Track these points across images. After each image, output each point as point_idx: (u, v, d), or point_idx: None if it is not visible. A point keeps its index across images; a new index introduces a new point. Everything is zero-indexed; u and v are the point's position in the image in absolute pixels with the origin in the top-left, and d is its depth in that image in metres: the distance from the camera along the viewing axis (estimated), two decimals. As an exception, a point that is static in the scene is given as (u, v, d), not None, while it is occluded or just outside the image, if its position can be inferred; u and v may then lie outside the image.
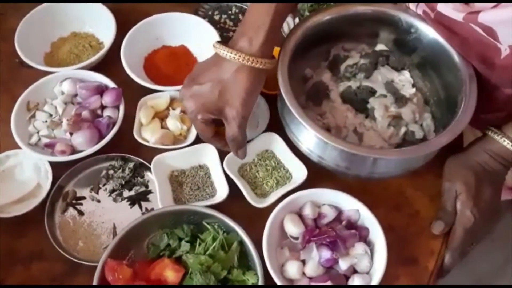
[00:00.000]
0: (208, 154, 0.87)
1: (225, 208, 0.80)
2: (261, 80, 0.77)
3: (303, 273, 0.76)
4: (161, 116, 0.93)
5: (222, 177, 0.84)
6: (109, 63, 1.00)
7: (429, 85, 0.89)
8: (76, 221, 0.86)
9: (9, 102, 0.94)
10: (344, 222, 0.79)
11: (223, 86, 0.75)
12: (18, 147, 0.89)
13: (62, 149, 0.88)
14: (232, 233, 0.77)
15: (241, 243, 0.77)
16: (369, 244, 0.78)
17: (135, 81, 0.95)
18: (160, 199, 0.83)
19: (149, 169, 0.86)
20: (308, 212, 0.79)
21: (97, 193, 0.88)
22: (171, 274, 0.74)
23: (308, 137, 0.79)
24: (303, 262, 0.77)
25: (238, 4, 1.10)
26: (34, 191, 0.86)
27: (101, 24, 1.05)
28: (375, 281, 0.75)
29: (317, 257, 0.76)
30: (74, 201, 0.87)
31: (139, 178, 0.89)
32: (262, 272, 0.73)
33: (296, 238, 0.79)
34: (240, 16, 1.08)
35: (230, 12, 1.09)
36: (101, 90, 0.94)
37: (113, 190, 0.88)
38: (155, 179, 0.84)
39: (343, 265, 0.76)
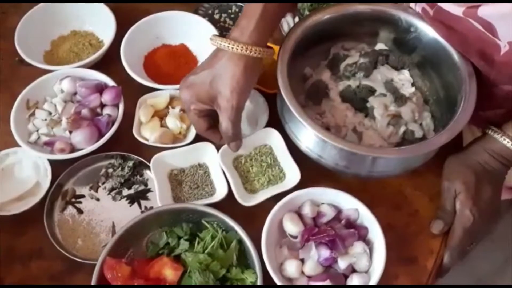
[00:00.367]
0: (207, 153, 0.87)
1: (224, 206, 0.80)
2: (254, 69, 0.76)
3: (302, 272, 0.76)
4: (160, 115, 0.93)
5: (221, 176, 0.84)
6: (109, 62, 1.00)
7: (429, 84, 0.89)
8: (75, 220, 0.86)
9: (8, 100, 0.94)
10: (343, 221, 0.79)
11: (214, 74, 0.75)
12: (18, 145, 0.89)
13: (61, 147, 0.88)
14: (231, 232, 0.77)
15: (240, 241, 0.77)
16: (368, 243, 0.78)
17: (135, 79, 0.95)
18: (159, 198, 0.83)
19: (148, 167, 0.86)
20: (307, 211, 0.79)
21: (96, 191, 0.88)
22: (170, 273, 0.74)
23: (308, 136, 0.79)
24: (302, 261, 0.77)
25: (238, 3, 1.10)
26: (33, 189, 0.86)
27: (101, 22, 1.05)
28: (374, 280, 0.75)
29: (316, 256, 0.76)
30: (73, 200, 0.87)
31: (138, 176, 0.89)
32: (261, 270, 0.73)
33: (295, 237, 0.79)
34: (240, 15, 1.08)
35: (230, 11, 1.09)
36: (100, 88, 0.94)
37: (112, 189, 0.88)
38: (154, 177, 0.84)
39: (342, 264, 0.76)
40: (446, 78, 0.84)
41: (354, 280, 0.75)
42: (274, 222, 0.78)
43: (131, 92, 0.94)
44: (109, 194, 0.88)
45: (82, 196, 0.88)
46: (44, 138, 0.90)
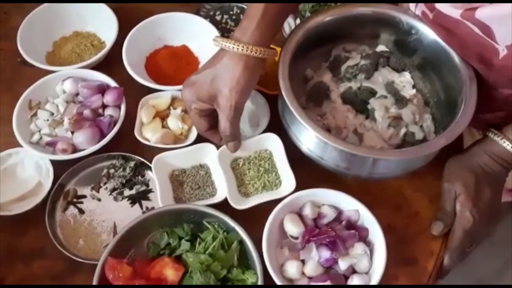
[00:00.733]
0: (208, 153, 0.87)
1: (225, 207, 0.80)
2: (255, 69, 0.76)
3: (303, 273, 0.76)
4: (162, 116, 0.93)
5: (223, 176, 0.84)
6: (110, 63, 1.00)
7: (430, 86, 0.89)
8: (76, 220, 0.86)
9: (11, 100, 0.94)
10: (343, 222, 0.79)
11: (215, 74, 0.76)
12: (20, 146, 0.89)
13: (63, 148, 0.88)
14: (232, 233, 0.77)
15: (241, 242, 0.77)
16: (368, 244, 0.78)
17: (137, 80, 0.95)
18: (161, 198, 0.83)
19: (149, 168, 0.87)
20: (308, 212, 0.80)
21: (98, 191, 0.89)
22: (171, 273, 0.74)
23: (308, 138, 0.79)
24: (303, 262, 0.77)
25: (240, 5, 1.10)
26: (35, 190, 0.86)
27: (103, 23, 1.05)
28: (374, 281, 0.75)
29: (316, 257, 0.76)
30: (75, 200, 0.88)
31: (139, 177, 0.89)
32: (262, 271, 0.74)
33: (296, 238, 0.79)
34: (242, 17, 1.08)
35: (231, 12, 1.10)
36: (102, 89, 0.94)
37: (113, 189, 0.88)
38: (156, 178, 0.85)
39: (342, 265, 0.76)
40: (447, 80, 0.84)
41: (354, 281, 0.76)
42: (275, 223, 0.79)
43: (133, 93, 0.94)
44: (110, 194, 0.88)
45: (84, 196, 0.88)
46: (46, 139, 0.91)
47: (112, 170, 0.90)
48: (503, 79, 0.77)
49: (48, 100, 0.96)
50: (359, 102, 0.86)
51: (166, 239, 0.78)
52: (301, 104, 0.78)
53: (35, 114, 0.94)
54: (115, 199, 0.88)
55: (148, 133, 0.90)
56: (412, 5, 0.83)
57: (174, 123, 0.91)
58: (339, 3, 1.06)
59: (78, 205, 0.87)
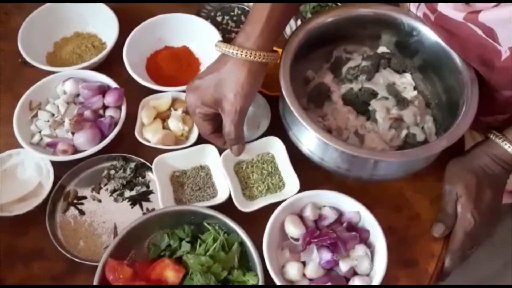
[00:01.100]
0: (209, 155, 0.87)
1: (226, 208, 0.80)
2: (258, 74, 0.77)
3: (304, 275, 0.76)
4: (163, 117, 0.93)
5: (223, 178, 0.84)
6: (111, 63, 1.00)
7: (431, 88, 0.89)
8: (77, 221, 0.86)
9: (11, 101, 0.94)
10: (344, 224, 0.79)
11: (220, 79, 0.77)
12: (20, 146, 0.89)
13: (64, 149, 0.88)
14: (232, 234, 0.77)
15: (242, 244, 0.77)
16: (369, 246, 0.78)
17: (137, 81, 0.95)
18: (161, 200, 0.83)
19: (150, 169, 0.87)
20: (308, 213, 0.80)
21: (98, 193, 0.89)
22: (171, 275, 0.74)
23: (309, 139, 0.79)
24: (304, 263, 0.77)
25: (240, 6, 1.10)
26: (36, 191, 0.86)
27: (104, 24, 1.05)
28: (375, 283, 0.75)
29: (317, 259, 0.76)
30: (75, 201, 0.88)
31: (140, 178, 0.89)
32: (263, 273, 0.73)
33: (297, 240, 0.79)
34: (243, 17, 1.09)
35: (232, 13, 1.10)
36: (103, 90, 0.94)
37: (114, 190, 0.88)
38: (156, 179, 0.85)
39: (343, 267, 0.76)
40: (448, 82, 0.84)
41: (355, 283, 0.76)
42: (275, 224, 0.79)
43: (134, 94, 0.94)
44: (111, 195, 0.88)
45: (84, 197, 0.88)
46: (47, 140, 0.91)
47: (112, 171, 0.89)
48: (504, 81, 0.77)
49: (49, 101, 0.95)
50: (360, 104, 0.86)
51: (166, 241, 0.78)
52: (302, 105, 0.78)
53: (35, 115, 0.93)
54: (116, 200, 0.88)
55: (149, 134, 0.90)
56: (413, 7, 0.83)
57: (174, 124, 0.91)
58: (340, 4, 1.06)
59: (79, 206, 0.87)
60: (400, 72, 0.90)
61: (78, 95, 0.95)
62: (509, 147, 0.80)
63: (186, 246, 0.77)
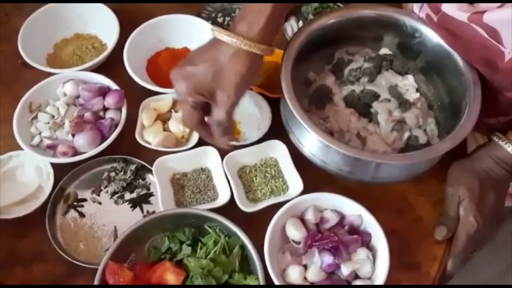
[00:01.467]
0: (210, 157, 0.87)
1: (226, 211, 0.80)
2: (257, 67, 0.75)
3: (305, 278, 0.76)
4: (163, 119, 0.92)
5: (224, 180, 0.84)
6: (112, 65, 1.00)
7: (433, 90, 0.89)
8: (77, 223, 0.85)
9: (11, 102, 0.94)
10: (346, 227, 0.79)
11: (218, 68, 0.73)
12: (20, 148, 0.88)
13: (64, 151, 0.88)
14: (233, 237, 0.77)
15: (243, 247, 0.76)
16: (371, 249, 0.78)
17: (138, 83, 0.95)
18: (162, 202, 0.82)
19: (150, 171, 0.86)
20: (310, 216, 0.79)
21: (99, 195, 0.88)
22: (172, 278, 0.74)
23: (311, 141, 0.79)
24: (305, 267, 0.77)
25: (242, 6, 1.09)
26: (36, 193, 0.86)
27: (104, 25, 1.05)
28: (377, 286, 0.74)
29: (319, 262, 0.75)
30: (75, 203, 0.87)
31: (140, 180, 0.89)
32: (264, 276, 0.73)
33: (298, 243, 0.79)
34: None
35: (233, 14, 1.09)
36: (103, 91, 0.94)
37: (114, 193, 0.88)
38: (157, 181, 0.84)
39: (345, 270, 0.75)
40: (451, 84, 0.83)
41: (357, 286, 0.75)
42: (277, 227, 0.78)
43: (134, 96, 0.94)
44: (111, 198, 0.88)
45: (84, 199, 0.88)
46: (47, 141, 0.90)
47: (113, 173, 0.89)
48: (508, 82, 0.77)
49: (49, 102, 0.95)
50: (362, 106, 0.86)
51: (167, 244, 0.78)
52: (303, 107, 0.77)
53: (35, 117, 0.93)
54: (116, 202, 0.87)
55: (149, 136, 0.89)
56: (416, 8, 0.83)
57: (175, 126, 0.90)
58: (341, 5, 1.06)
59: (79, 208, 0.87)
60: (402, 74, 0.89)
61: (78, 96, 0.95)
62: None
63: (186, 249, 0.76)
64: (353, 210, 0.79)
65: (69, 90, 0.94)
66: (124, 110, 0.92)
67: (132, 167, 0.89)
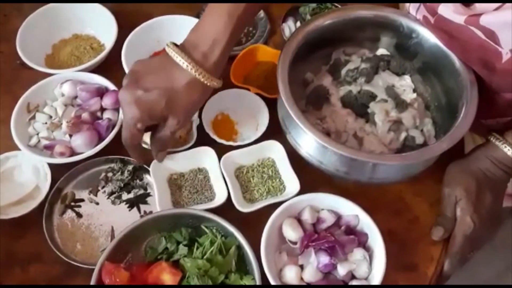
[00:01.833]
0: (207, 157, 0.87)
1: (223, 212, 0.80)
2: (207, 95, 0.78)
3: (301, 278, 0.76)
4: (161, 119, 0.92)
5: (221, 180, 0.84)
6: (110, 65, 1.00)
7: (430, 90, 0.89)
8: (74, 224, 0.85)
9: (9, 103, 0.94)
10: (343, 227, 0.79)
11: (172, 96, 0.73)
12: (18, 149, 0.88)
13: (61, 151, 0.88)
14: (230, 237, 0.77)
15: (239, 247, 0.76)
16: (368, 249, 0.78)
17: (136, 83, 0.95)
18: (159, 202, 0.82)
19: (148, 172, 0.86)
20: (307, 216, 0.79)
21: (96, 195, 0.88)
22: (168, 278, 0.74)
23: (308, 142, 0.79)
24: (301, 267, 0.77)
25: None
26: (33, 193, 0.86)
27: (102, 26, 1.05)
28: (374, 287, 0.74)
29: (315, 262, 0.75)
30: (72, 203, 0.87)
31: (138, 180, 0.89)
32: (260, 276, 0.73)
33: (295, 243, 0.79)
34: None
35: (231, 15, 1.09)
36: (101, 92, 0.94)
37: (111, 193, 0.88)
38: (154, 182, 0.84)
39: (341, 270, 0.75)
40: (448, 84, 0.83)
41: (353, 287, 0.75)
42: (273, 227, 0.78)
43: (132, 96, 0.94)
44: (108, 198, 0.88)
45: (82, 200, 0.88)
46: (44, 142, 0.90)
47: (110, 174, 0.89)
48: (505, 83, 0.77)
49: (47, 103, 0.95)
50: (359, 106, 0.86)
51: (163, 244, 0.78)
52: (300, 107, 0.77)
53: (33, 117, 0.93)
54: (113, 202, 0.87)
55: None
56: (413, 10, 0.83)
57: (173, 126, 0.90)
58: (339, 5, 1.06)
59: (76, 208, 0.87)
60: (399, 74, 0.89)
61: (76, 97, 0.95)
62: (508, 150, 0.79)
63: (183, 250, 0.76)
64: (350, 210, 0.79)
65: (67, 91, 0.94)
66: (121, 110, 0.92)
67: (129, 167, 0.89)
